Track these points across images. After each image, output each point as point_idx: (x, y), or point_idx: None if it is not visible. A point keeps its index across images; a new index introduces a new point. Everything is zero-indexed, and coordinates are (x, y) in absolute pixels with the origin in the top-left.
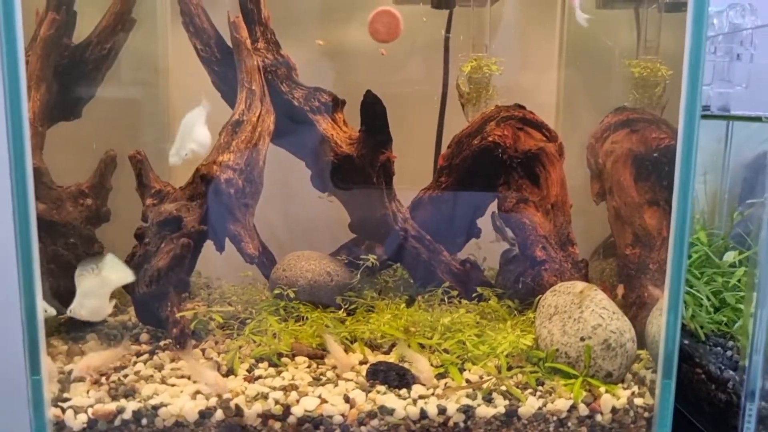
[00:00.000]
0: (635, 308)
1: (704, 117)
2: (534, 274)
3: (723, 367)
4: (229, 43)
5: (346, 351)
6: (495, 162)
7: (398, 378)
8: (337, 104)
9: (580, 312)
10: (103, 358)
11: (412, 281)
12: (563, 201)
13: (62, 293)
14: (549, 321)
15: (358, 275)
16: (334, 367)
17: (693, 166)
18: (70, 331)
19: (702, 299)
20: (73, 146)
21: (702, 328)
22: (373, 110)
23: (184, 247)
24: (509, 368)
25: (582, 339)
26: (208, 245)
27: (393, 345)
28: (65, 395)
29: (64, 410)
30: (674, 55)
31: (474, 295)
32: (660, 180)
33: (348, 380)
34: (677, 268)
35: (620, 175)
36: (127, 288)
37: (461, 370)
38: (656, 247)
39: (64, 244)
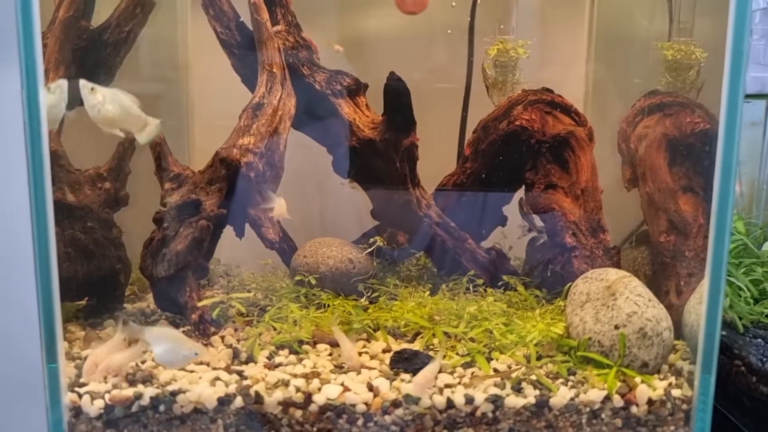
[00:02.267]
0: (671, 296)
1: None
2: (564, 262)
3: (765, 359)
4: (250, 26)
5: (368, 339)
6: (522, 147)
7: (424, 366)
8: (360, 88)
9: (614, 299)
10: (122, 359)
11: (435, 270)
12: (594, 186)
13: (79, 278)
14: (581, 308)
15: (378, 260)
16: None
17: (735, 152)
18: (88, 317)
19: (741, 289)
20: (91, 129)
21: (741, 319)
22: (396, 91)
23: (203, 229)
24: (539, 357)
25: (616, 327)
26: (228, 232)
27: (417, 334)
28: (82, 380)
29: (80, 395)
30: (709, 37)
31: (500, 283)
32: (695, 166)
33: (371, 368)
34: (718, 259)
35: (653, 160)
36: (145, 273)
37: (489, 359)
38: (692, 234)
39: (81, 228)
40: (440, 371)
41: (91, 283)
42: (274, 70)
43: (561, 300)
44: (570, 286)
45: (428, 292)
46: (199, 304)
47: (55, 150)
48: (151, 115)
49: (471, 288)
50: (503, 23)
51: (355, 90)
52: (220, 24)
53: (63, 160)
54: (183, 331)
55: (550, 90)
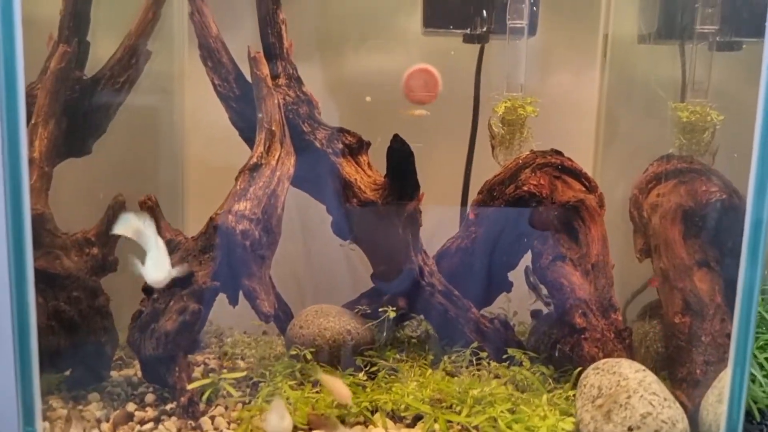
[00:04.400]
0: (686, 385)
1: None
2: (573, 343)
3: None
4: (248, 78)
5: (365, 424)
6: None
7: None
8: (362, 146)
9: (628, 397)
10: None
11: (437, 336)
12: (605, 261)
13: (62, 353)
14: (592, 404)
15: (384, 334)
16: None
17: (764, 227)
18: (71, 389)
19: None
20: (79, 184)
21: (756, 403)
22: (400, 156)
23: (194, 314)
24: None
25: (630, 429)
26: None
27: (418, 417)
28: None
29: None
30: (726, 98)
31: (504, 356)
32: (711, 238)
33: None
34: (742, 356)
35: (668, 234)
36: (133, 347)
37: None
38: (709, 316)
39: (66, 298)
40: None
41: (75, 355)
42: (273, 128)
43: (569, 385)
44: (580, 371)
45: (429, 370)
46: (189, 387)
47: (42, 212)
48: (144, 167)
49: (474, 361)
50: (511, 78)
51: (357, 148)
52: (218, 76)
53: (50, 223)
54: (171, 409)
55: (560, 152)
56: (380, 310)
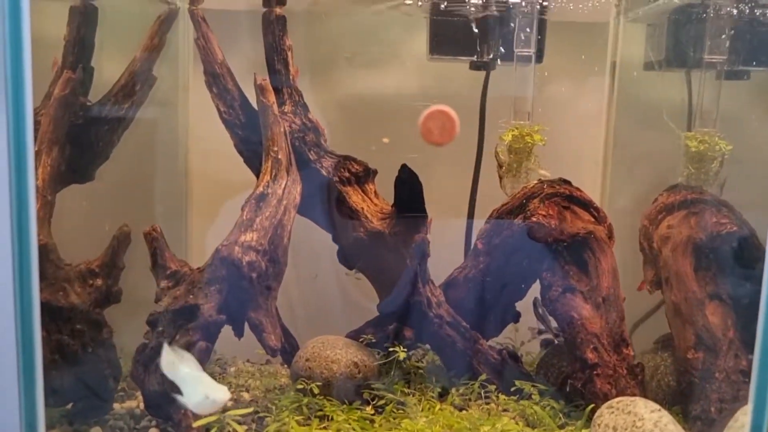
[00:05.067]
0: (700, 423)
1: None
2: (585, 379)
3: None
4: (254, 104)
5: None
6: (538, 244)
7: None
8: (369, 174)
9: None
10: None
11: (444, 367)
12: (616, 294)
13: (65, 386)
14: None
15: (392, 374)
16: None
17: None
18: (74, 422)
19: None
20: (80, 206)
21: None
22: (408, 187)
23: (201, 352)
24: None
25: None
26: None
27: None
28: None
29: None
30: (734, 126)
31: (513, 389)
32: (723, 270)
33: None
34: (762, 394)
35: (679, 267)
36: (137, 381)
37: None
38: (722, 351)
39: (69, 331)
40: None
41: (78, 387)
42: (280, 156)
43: (582, 425)
44: (592, 408)
45: (438, 404)
46: (194, 425)
47: (45, 243)
48: (148, 197)
49: (482, 394)
50: (518, 107)
51: (364, 176)
52: (223, 102)
53: (53, 254)
54: None
55: (568, 181)
56: (388, 348)
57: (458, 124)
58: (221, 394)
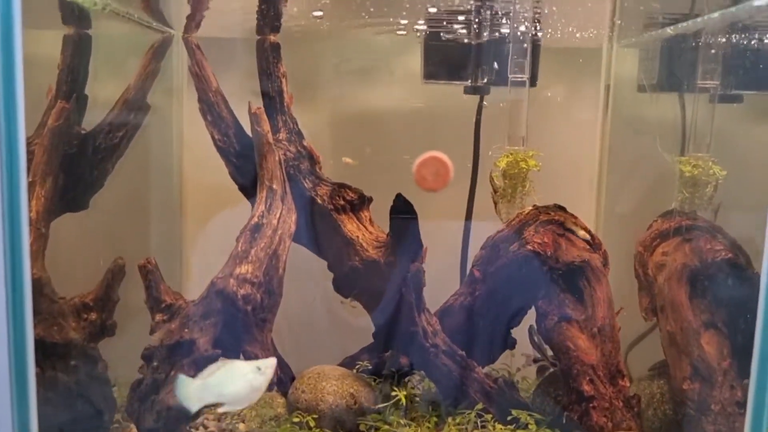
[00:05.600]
0: None
1: None
2: (581, 412)
3: None
4: (248, 131)
5: None
6: (534, 273)
7: None
8: (364, 202)
9: None
10: None
11: (440, 396)
12: (611, 324)
13: (59, 422)
14: None
15: (388, 409)
16: None
17: None
18: None
19: None
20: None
21: None
22: (403, 215)
23: None
24: None
25: None
26: None
27: None
28: None
29: None
30: (727, 151)
31: (509, 418)
32: (718, 298)
33: None
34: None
35: (674, 295)
36: (132, 417)
37: None
38: (718, 383)
39: (63, 367)
40: None
41: (72, 423)
42: (275, 186)
43: None
44: None
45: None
46: None
47: (39, 277)
48: (141, 220)
49: (479, 423)
50: (512, 132)
51: (359, 204)
52: (217, 130)
53: (47, 288)
54: None
55: (562, 207)
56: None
57: (452, 170)
58: (264, 364)
